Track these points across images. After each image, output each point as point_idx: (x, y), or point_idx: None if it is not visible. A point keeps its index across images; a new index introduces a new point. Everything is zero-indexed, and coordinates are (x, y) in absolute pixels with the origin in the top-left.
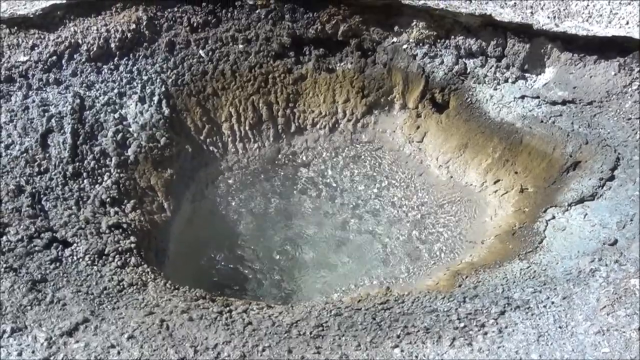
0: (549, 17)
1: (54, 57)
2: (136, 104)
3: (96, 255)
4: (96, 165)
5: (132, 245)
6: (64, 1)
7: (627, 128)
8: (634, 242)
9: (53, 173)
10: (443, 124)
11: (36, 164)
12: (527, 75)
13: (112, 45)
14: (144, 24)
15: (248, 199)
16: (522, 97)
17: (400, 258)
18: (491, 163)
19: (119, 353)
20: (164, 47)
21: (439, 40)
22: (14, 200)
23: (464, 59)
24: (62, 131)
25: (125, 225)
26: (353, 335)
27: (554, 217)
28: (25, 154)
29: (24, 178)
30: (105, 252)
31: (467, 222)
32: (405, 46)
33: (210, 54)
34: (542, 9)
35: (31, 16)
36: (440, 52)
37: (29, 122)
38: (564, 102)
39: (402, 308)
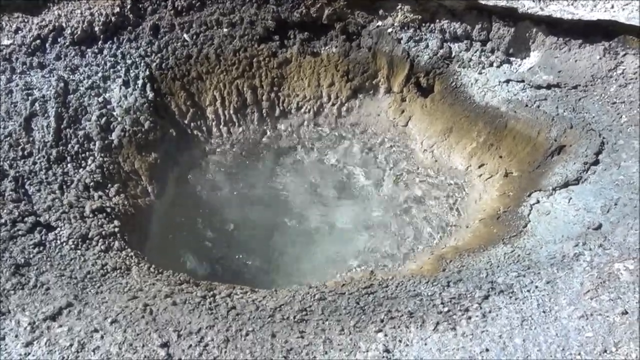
0: (533, 1)
1: (38, 41)
2: (120, 88)
3: (80, 240)
4: (80, 149)
5: (116, 229)
6: None
7: (611, 112)
8: (618, 226)
9: (37, 157)
10: (428, 108)
11: (20, 147)
12: (512, 59)
13: (96, 28)
14: (128, 7)
15: (232, 183)
16: (507, 81)
17: (385, 242)
18: (476, 147)
19: (102, 337)
20: (148, 30)
21: (423, 24)
22: None
23: (448, 43)
24: (45, 115)
25: (109, 210)
26: (337, 319)
27: (538, 202)
28: (8, 138)
29: (8, 162)
30: (89, 236)
31: (452, 206)
32: (390, 30)
33: (194, 37)
34: None
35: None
36: (425, 36)
37: (12, 105)
38: (548, 86)
39: (386, 292)
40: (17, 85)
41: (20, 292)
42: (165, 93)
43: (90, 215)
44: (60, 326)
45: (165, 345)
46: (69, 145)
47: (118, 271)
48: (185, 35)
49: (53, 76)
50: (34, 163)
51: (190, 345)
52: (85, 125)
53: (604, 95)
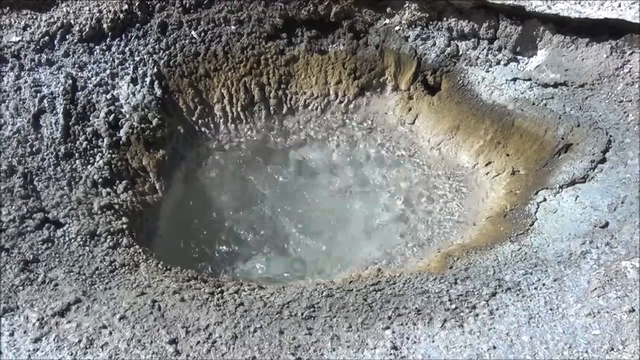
0: None
1: (46, 38)
2: (128, 85)
3: (88, 236)
4: (88, 146)
5: (124, 226)
6: None
7: (618, 111)
8: (625, 224)
9: (45, 153)
10: (435, 106)
11: (28, 144)
12: (519, 57)
13: (105, 26)
14: (136, 4)
15: (240, 180)
16: (514, 79)
17: (392, 239)
18: (483, 145)
19: (110, 333)
20: (156, 28)
21: (431, 22)
22: (6, 181)
23: (456, 41)
24: (54, 112)
25: (117, 206)
26: (344, 316)
27: (545, 200)
28: (17, 135)
29: (16, 158)
30: (97, 232)
31: (459, 204)
32: (397, 28)
33: (202, 35)
34: None
35: None
36: (433, 34)
37: (21, 102)
38: (555, 85)
39: (394, 289)
40: (26, 82)
41: (28, 288)
42: (173, 90)
43: (99, 212)
44: (69, 322)
45: (173, 341)
46: (77, 142)
47: (126, 267)
48: (193, 33)
49: (61, 73)
50: (43, 159)
51: (199, 342)
52: (93, 122)
53: (611, 94)
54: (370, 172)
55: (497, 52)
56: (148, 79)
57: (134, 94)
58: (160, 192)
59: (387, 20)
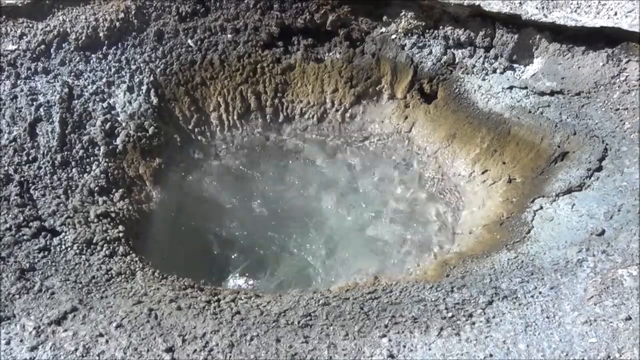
0: (537, 8)
1: (43, 46)
2: (124, 93)
3: (84, 244)
4: (84, 155)
5: (121, 234)
6: None
7: (614, 119)
8: (621, 232)
9: (41, 162)
10: (431, 114)
11: (24, 152)
12: (515, 65)
13: (101, 34)
14: (133, 13)
15: (236, 189)
16: (511, 87)
17: (388, 247)
18: (479, 153)
19: (107, 342)
20: (153, 36)
21: (427, 31)
22: (2, 189)
23: (452, 49)
24: (50, 120)
25: (113, 214)
26: (341, 324)
27: (541, 208)
28: (13, 143)
29: (13, 167)
30: (94, 241)
31: (455, 212)
32: (393, 36)
33: (198, 43)
34: None
35: (19, 5)
36: (429, 43)
37: (17, 111)
38: (552, 93)
39: (390, 298)
40: (22, 90)
41: (25, 296)
42: (170, 99)
43: (95, 220)
44: (65, 330)
45: (170, 350)
46: (74, 150)
47: (123, 276)
48: (189, 41)
49: (58, 81)
50: (39, 168)
51: (195, 350)
52: (89, 130)
53: (607, 102)
54: (366, 181)
55: (493, 61)
56: (144, 87)
57: (130, 102)
58: (156, 200)
59: (384, 29)
